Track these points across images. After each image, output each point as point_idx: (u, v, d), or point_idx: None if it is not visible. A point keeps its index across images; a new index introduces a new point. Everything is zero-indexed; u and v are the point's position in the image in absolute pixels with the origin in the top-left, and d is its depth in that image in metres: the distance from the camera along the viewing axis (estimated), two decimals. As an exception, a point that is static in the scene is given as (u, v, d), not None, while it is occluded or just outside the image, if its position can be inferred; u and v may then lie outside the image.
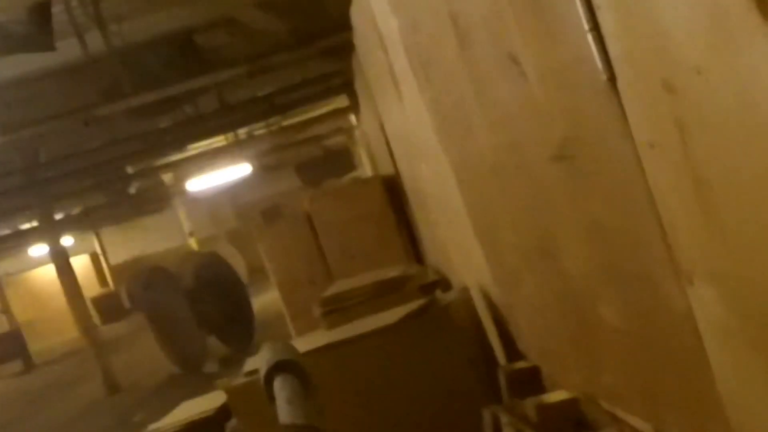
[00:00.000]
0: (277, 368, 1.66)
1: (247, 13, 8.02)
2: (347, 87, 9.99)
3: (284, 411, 1.57)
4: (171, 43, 8.24)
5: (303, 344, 3.11)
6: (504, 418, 2.32)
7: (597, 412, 2.07)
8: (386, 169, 5.82)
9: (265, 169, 16.57)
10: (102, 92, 8.60)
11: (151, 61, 8.25)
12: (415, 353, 2.77)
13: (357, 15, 3.98)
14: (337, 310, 3.98)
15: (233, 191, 17.99)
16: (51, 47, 6.03)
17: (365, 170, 15.03)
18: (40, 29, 5.77)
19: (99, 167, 11.18)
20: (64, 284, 11.91)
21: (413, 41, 2.51)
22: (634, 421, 1.85)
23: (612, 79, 1.24)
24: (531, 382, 2.57)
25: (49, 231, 11.53)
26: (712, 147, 1.03)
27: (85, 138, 10.58)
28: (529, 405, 2.29)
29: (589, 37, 1.24)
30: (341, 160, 17.42)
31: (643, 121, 1.20)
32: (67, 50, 7.01)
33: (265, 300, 13.52)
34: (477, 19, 1.80)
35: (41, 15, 5.74)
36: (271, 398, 1.68)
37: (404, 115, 3.41)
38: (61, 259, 11.17)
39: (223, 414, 4.09)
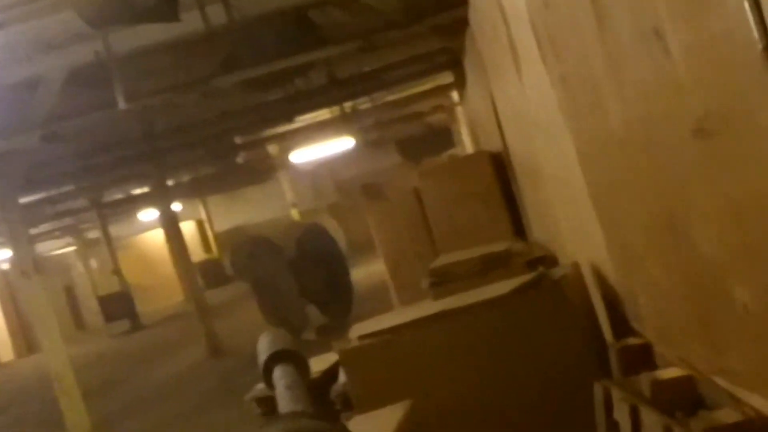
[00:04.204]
0: (276, 358, 1.71)
1: (361, -10, 8.11)
2: (453, 64, 10.00)
3: (284, 399, 1.61)
4: (286, 18, 8.43)
5: (414, 312, 3.20)
6: (617, 394, 2.34)
7: (714, 390, 2.08)
8: (491, 146, 5.84)
9: (366, 145, 16.77)
10: (217, 65, 8.88)
11: (266, 35, 8.47)
12: (526, 325, 2.82)
13: (477, -9, 4.00)
14: (445, 281, 4.05)
15: (335, 165, 18.29)
16: (176, 18, 6.27)
17: (464, 148, 15.02)
18: (167, 0, 6.01)
19: (210, 138, 11.57)
20: (172, 249, 12.43)
21: (542, 18, 2.53)
22: (757, 400, 1.85)
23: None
24: (643, 359, 2.58)
25: (161, 198, 12.01)
26: None
27: (198, 109, 10.96)
28: (644, 381, 2.31)
29: (746, 5, 1.26)
30: (441, 137, 17.44)
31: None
32: (184, 23, 7.27)
33: (363, 273, 13.74)
34: (616, -5, 1.82)
35: (168, -13, 5.98)
36: (270, 386, 1.72)
37: (522, 92, 3.43)
38: (170, 224, 11.65)
39: (327, 377, 4.24)
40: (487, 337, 2.79)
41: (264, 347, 1.70)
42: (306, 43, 8.76)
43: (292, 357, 1.67)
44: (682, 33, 1.56)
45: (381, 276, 13.02)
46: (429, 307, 3.26)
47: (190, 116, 10.75)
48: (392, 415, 2.49)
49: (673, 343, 2.22)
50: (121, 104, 7.00)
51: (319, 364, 4.52)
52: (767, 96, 1.30)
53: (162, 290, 19.57)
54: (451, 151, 16.59)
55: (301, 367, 1.65)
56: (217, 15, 7.53)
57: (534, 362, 2.76)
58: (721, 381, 2.02)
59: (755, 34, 1.28)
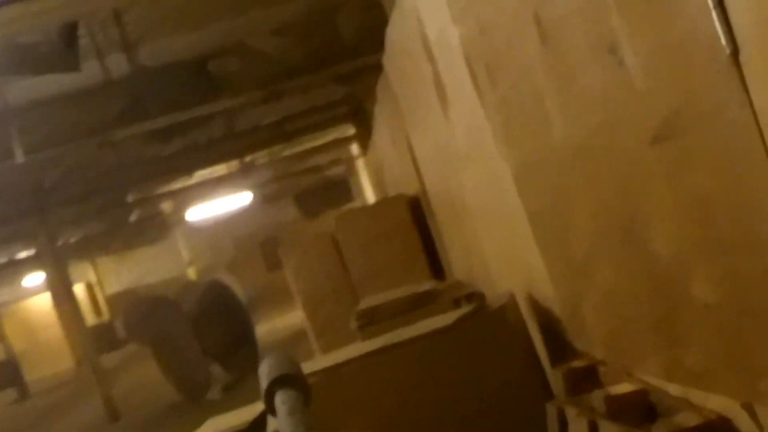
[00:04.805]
0: (279, 382, 1.69)
1: (263, 41, 8.15)
2: (355, 115, 10.13)
3: (286, 425, 1.59)
4: (186, 69, 8.35)
5: (351, 351, 3.16)
6: (572, 411, 2.37)
7: (669, 399, 2.13)
8: (403, 191, 5.90)
9: (264, 200, 16.65)
10: (113, 117, 8.67)
11: (165, 86, 8.35)
12: (471, 354, 2.82)
13: (395, 33, 4.08)
14: (374, 322, 4.02)
15: (232, 221, 18.04)
16: (76, 68, 6.11)
17: (364, 201, 15.12)
18: (66, 49, 5.86)
19: (103, 192, 11.22)
20: (65, 312, 11.86)
21: (478, 46, 2.60)
22: (714, 401, 1.91)
23: (735, 52, 1.33)
24: (589, 379, 2.63)
25: (51, 258, 11.49)
26: None
27: (93, 163, 10.63)
28: (596, 397, 2.35)
29: (714, 14, 1.33)
30: (339, 191, 17.52)
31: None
32: (82, 74, 7.09)
33: (266, 329, 13.50)
34: (566, 15, 1.89)
35: (68, 35, 5.84)
36: (272, 412, 1.71)
37: (448, 128, 3.50)
38: (63, 286, 11.13)
39: (254, 428, 4.10)
40: (433, 368, 2.78)
41: (265, 371, 1.64)
42: (206, 93, 8.70)
43: (294, 381, 1.61)
44: (640, 45, 1.63)
45: (286, 331, 12.79)
46: (365, 345, 3.22)
47: (84, 170, 10.40)
48: (345, 448, 2.42)
49: (625, 352, 2.28)
50: (20, 157, 6.71)
51: (241, 416, 4.38)
52: (733, 96, 1.38)
53: (50, 357, 18.60)
54: (350, 205, 16.67)
55: (304, 391, 1.60)
56: (115, 65, 7.39)
57: (481, 389, 2.76)
58: (675, 389, 2.08)
59: (723, 40, 1.35)
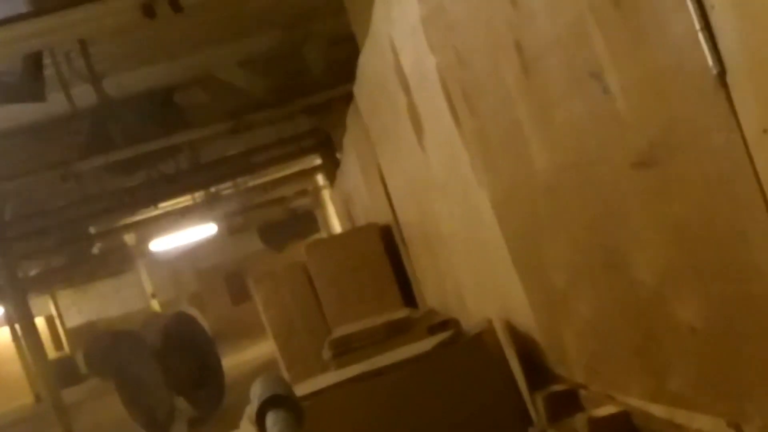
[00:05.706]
0: (270, 403, 1.69)
1: (230, 72, 8.16)
2: (322, 146, 10.15)
3: None
4: (152, 100, 8.32)
5: (327, 379, 3.14)
6: (554, 435, 2.38)
7: (652, 421, 2.15)
8: (373, 221, 5.91)
9: (229, 231, 16.54)
10: (78, 148, 8.58)
11: (131, 117, 8.30)
12: (451, 380, 2.82)
13: (368, 63, 4.11)
14: (348, 351, 4.00)
15: (196, 253, 17.88)
16: (42, 98, 6.06)
17: (330, 232, 15.08)
18: (32, 80, 5.81)
19: (66, 225, 11.06)
20: (23, 347, 11.59)
21: (456, 76, 2.63)
22: (699, 420, 1.93)
23: (722, 73, 1.37)
24: (570, 403, 2.65)
25: (11, 291, 11.25)
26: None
27: (54, 195, 10.48)
28: (579, 421, 2.36)
29: (701, 36, 1.37)
30: (304, 222, 17.48)
31: (757, 108, 1.32)
32: (40, 106, 7.02)
33: (229, 364, 13.32)
34: (549, 43, 1.92)
35: (34, 66, 5.79)
36: None
37: (423, 158, 3.52)
38: (24, 319, 10.88)
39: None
40: (414, 394, 2.78)
41: (257, 392, 1.63)
42: (171, 125, 8.65)
43: (286, 402, 1.60)
44: (624, 70, 1.67)
45: (253, 363, 12.60)
46: (343, 372, 3.20)
47: (46, 202, 10.26)
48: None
49: (607, 376, 2.29)
50: (-17, 187, 6.61)
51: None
52: (718, 120, 1.41)
53: (8, 392, 18.12)
54: (316, 236, 16.62)
55: (296, 413, 1.59)
56: (80, 96, 7.34)
57: (461, 415, 2.76)
58: (659, 410, 2.09)
59: (709, 61, 1.39)
